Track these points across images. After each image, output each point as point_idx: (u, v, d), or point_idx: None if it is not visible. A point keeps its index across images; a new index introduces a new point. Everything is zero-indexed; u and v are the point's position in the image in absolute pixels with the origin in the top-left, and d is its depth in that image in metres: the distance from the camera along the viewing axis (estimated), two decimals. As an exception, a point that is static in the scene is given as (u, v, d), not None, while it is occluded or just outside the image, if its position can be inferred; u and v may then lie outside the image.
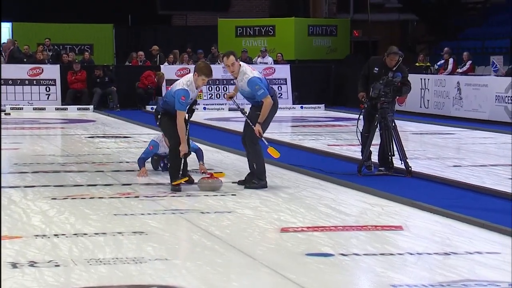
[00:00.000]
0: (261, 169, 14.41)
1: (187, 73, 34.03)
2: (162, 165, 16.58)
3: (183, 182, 14.94)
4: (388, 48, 15.96)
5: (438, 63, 32.75)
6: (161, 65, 36.07)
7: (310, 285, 8.56)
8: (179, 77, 34.72)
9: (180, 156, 14.19)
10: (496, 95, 28.01)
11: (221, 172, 15.29)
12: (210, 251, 10.27)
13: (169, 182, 14.87)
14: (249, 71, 14.10)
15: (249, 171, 14.91)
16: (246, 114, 14.89)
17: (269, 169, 16.40)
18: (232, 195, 14.11)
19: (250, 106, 14.99)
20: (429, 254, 9.94)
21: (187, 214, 12.47)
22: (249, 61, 36.58)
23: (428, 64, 34.02)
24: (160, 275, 8.92)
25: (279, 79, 34.54)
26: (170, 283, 8.61)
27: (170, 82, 34.29)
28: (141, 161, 16.54)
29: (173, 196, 14.07)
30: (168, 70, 35.19)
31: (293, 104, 33.81)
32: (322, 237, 10.87)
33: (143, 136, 24.64)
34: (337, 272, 9.30)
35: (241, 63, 14.41)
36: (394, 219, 12.14)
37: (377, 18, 41.15)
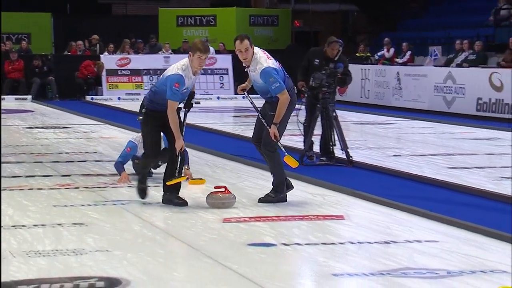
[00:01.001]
0: (280, 180, 11.99)
1: (128, 63, 34.99)
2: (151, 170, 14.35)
3: (181, 181, 13.08)
4: (327, 39, 16.04)
5: (378, 53, 32.97)
6: (100, 55, 35.84)
7: (252, 275, 8.59)
8: (120, 66, 35.02)
9: (149, 165, 12.94)
10: (435, 85, 28.17)
11: (201, 179, 13.81)
12: (152, 242, 10.27)
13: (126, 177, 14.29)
14: (264, 60, 11.73)
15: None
16: (260, 112, 12.46)
17: (210, 159, 16.50)
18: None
19: (264, 102, 12.59)
20: (370, 243, 10.05)
21: (128, 205, 12.45)
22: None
23: (369, 54, 34.20)
24: (101, 266, 8.87)
25: (221, 69, 34.58)
26: (111, 274, 8.54)
27: (110, 72, 34.29)
28: (119, 166, 14.58)
29: (114, 187, 14.02)
30: (108, 59, 35.04)
31: (235, 94, 33.76)
32: (264, 227, 10.91)
33: (83, 126, 24.53)
34: (279, 261, 9.35)
35: (255, 49, 12.11)
36: (335, 208, 12.21)
37: (318, 8, 41.26)
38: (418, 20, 37.42)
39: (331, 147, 16.19)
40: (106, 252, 9.63)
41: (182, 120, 11.94)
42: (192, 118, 24.42)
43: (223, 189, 10.80)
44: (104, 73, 34.20)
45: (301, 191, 13.00)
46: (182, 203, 11.97)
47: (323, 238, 10.45)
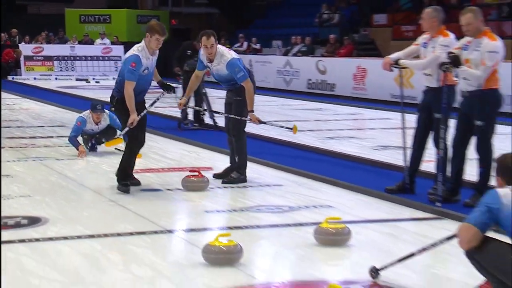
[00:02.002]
0: (243, 162, 10.53)
1: (41, 51, 34.57)
2: (90, 145, 13.17)
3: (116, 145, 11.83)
4: (197, 35, 16.01)
5: (235, 45, 33.02)
6: (19, 44, 35.06)
7: (145, 214, 8.56)
8: (35, 53, 34.42)
9: (135, 150, 9.94)
10: (277, 69, 28.26)
11: (118, 138, 11.66)
12: (65, 189, 10.15)
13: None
14: (227, 53, 10.23)
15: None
16: (222, 112, 10.94)
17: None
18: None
19: (226, 92, 10.89)
20: (233, 187, 10.14)
21: (45, 161, 12.21)
22: (91, 43, 36.28)
23: (228, 46, 34.39)
24: (25, 208, 8.79)
25: (115, 56, 34.15)
26: (33, 214, 8.49)
27: (27, 57, 33.69)
28: (74, 140, 12.83)
29: (33, 147, 13.76)
30: (25, 48, 34.38)
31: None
32: (153, 177, 10.86)
33: (7, 100, 23.75)
34: (165, 203, 9.40)
35: (218, 45, 10.44)
36: (206, 162, 12.18)
37: (189, 10, 41.22)
38: (265, 21, 37.53)
39: (202, 116, 16.24)
40: (28, 197, 9.51)
41: (154, 100, 10.26)
42: (95, 95, 24.22)
43: (197, 173, 9.78)
44: (22, 58, 33.47)
45: (180, 149, 12.99)
46: (126, 190, 9.62)
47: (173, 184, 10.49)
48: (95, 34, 36.97)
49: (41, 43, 35.15)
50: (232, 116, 10.35)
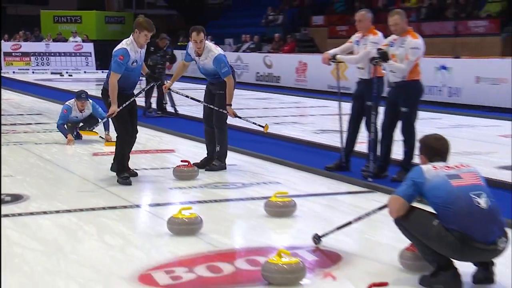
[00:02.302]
0: (224, 152, 9.87)
1: (19, 48, 34.17)
2: (75, 133, 12.59)
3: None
4: (159, 34, 15.93)
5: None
6: (-1, 41, 34.69)
7: (114, 190, 8.59)
8: (13, 50, 33.92)
9: (125, 144, 9.00)
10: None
11: (92, 131, 11.72)
12: (43, 170, 10.10)
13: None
14: (214, 48, 9.63)
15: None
16: (202, 101, 10.05)
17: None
18: (56, 132, 13.80)
19: (208, 83, 10.08)
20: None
21: (25, 145, 12.05)
22: (64, 40, 35.87)
23: (186, 43, 34.38)
24: (8, 187, 8.64)
25: (86, 52, 33.86)
26: (15, 192, 8.40)
27: (6, 54, 33.24)
28: (62, 128, 12.36)
29: (14, 133, 13.59)
30: (4, 45, 33.75)
31: (96, 69, 33.00)
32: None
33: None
34: (133, 181, 9.09)
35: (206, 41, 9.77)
36: (168, 145, 12.14)
37: (151, 12, 40.80)
38: (218, 21, 37.39)
39: (164, 105, 16.18)
40: (11, 177, 9.36)
41: (139, 91, 9.70)
42: (68, 86, 23.94)
43: (186, 163, 9.15)
44: (1, 54, 32.94)
45: (145, 134, 12.83)
46: (126, 182, 8.80)
47: (161, 164, 10.52)
48: (67, 33, 36.51)
49: (19, 41, 34.63)
50: (216, 108, 9.72)
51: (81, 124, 12.49)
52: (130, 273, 5.59)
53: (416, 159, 7.91)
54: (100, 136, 12.09)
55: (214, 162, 9.77)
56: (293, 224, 7.15)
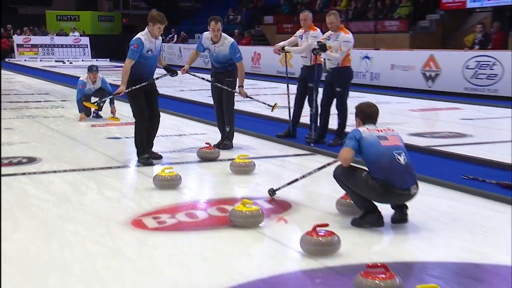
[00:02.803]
0: (233, 132, 8.93)
1: (29, 41, 33.63)
2: (94, 114, 11.79)
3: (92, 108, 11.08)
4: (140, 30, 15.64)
5: (168, 36, 32.37)
6: (13, 36, 33.92)
7: (110, 154, 8.51)
8: (24, 42, 33.37)
9: (142, 128, 7.84)
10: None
11: (117, 118, 11.21)
12: (52, 138, 10.00)
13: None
14: (228, 37, 8.67)
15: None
16: (216, 83, 8.86)
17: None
18: (61, 107, 13.62)
19: (214, 72, 8.92)
20: (167, 136, 10.00)
21: (36, 118, 11.96)
22: (66, 35, 35.26)
23: (164, 37, 34.21)
24: (24, 151, 8.60)
25: (83, 44, 33.42)
26: (30, 155, 8.31)
27: (19, 45, 32.70)
28: (80, 104, 11.46)
29: (27, 108, 13.41)
30: (17, 38, 33.38)
31: (91, 58, 32.50)
32: (114, 128, 10.69)
33: (6, 75, 23.10)
34: (125, 146, 9.17)
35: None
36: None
37: (135, 12, 40.39)
38: (189, 20, 36.96)
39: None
40: (26, 144, 9.32)
41: (158, 77, 8.31)
42: (69, 71, 23.53)
43: (208, 145, 8.18)
44: (15, 46, 32.42)
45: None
46: (147, 163, 7.83)
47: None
48: (68, 29, 36.01)
49: (29, 35, 34.05)
50: (228, 89, 8.70)
51: (92, 97, 11.49)
52: (124, 218, 5.59)
53: (348, 129, 8.02)
54: (96, 110, 11.57)
55: (225, 141, 8.83)
56: (252, 180, 7.17)
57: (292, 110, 9.67)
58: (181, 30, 33.33)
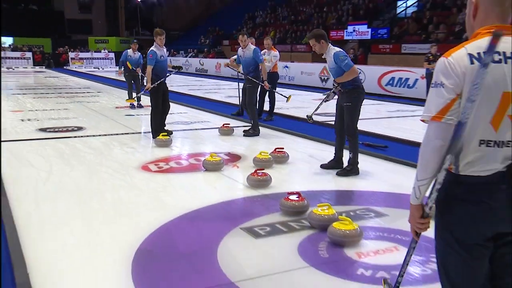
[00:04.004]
0: (257, 122, 7.31)
1: (78, 55, 31.91)
2: (137, 105, 10.32)
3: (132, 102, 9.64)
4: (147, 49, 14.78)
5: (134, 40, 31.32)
6: (69, 52, 32.11)
7: (128, 124, 8.10)
8: (75, 57, 31.31)
9: (157, 116, 6.91)
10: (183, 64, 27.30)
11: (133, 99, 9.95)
12: (92, 115, 9.38)
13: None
14: (252, 45, 7.33)
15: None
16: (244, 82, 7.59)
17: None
18: (97, 96, 12.96)
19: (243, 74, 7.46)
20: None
21: (82, 103, 11.22)
22: (100, 52, 33.60)
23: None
24: (75, 123, 8.04)
25: (110, 57, 31.67)
26: (78, 125, 7.79)
27: (72, 59, 31.02)
28: (120, 64, 10.31)
29: (76, 97, 12.73)
30: (71, 54, 31.48)
31: (115, 66, 31.07)
32: (130, 111, 10.23)
33: (64, 76, 21.98)
34: (137, 121, 8.71)
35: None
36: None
37: (142, 37, 38.78)
38: (176, 41, 35.75)
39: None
40: (76, 118, 8.80)
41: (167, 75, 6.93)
42: (102, 74, 22.48)
43: (228, 124, 7.37)
44: (69, 59, 30.93)
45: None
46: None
47: (141, 113, 9.85)
48: (101, 47, 34.30)
49: (78, 52, 32.47)
50: (253, 80, 7.23)
51: (132, 68, 9.95)
52: (137, 164, 5.39)
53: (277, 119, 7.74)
54: (132, 104, 10.33)
55: (250, 130, 7.28)
56: (217, 141, 6.93)
57: (241, 98, 9.38)
58: (171, 48, 32.29)
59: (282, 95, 8.80)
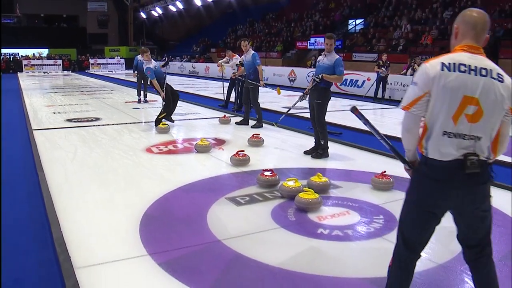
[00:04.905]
0: (260, 117, 6.59)
1: (96, 62, 30.49)
2: (144, 99, 9.70)
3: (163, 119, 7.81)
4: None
5: (163, 57, 30.36)
6: (89, 59, 30.69)
7: (135, 115, 7.86)
8: (94, 63, 29.90)
9: (167, 110, 6.64)
10: (178, 67, 26.59)
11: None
12: (108, 109, 9.02)
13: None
14: (251, 49, 6.74)
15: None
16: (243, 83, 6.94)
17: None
18: (111, 94, 12.47)
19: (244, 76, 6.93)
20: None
21: (99, 99, 10.83)
22: (113, 58, 32.38)
23: (160, 58, 31.99)
24: (93, 114, 7.73)
25: (121, 63, 30.69)
26: (96, 116, 7.48)
27: (92, 64, 29.69)
28: (134, 68, 9.75)
29: (94, 94, 12.29)
30: (91, 60, 30.13)
31: (125, 69, 30.24)
32: (141, 103, 9.94)
33: (85, 78, 21.14)
34: (142, 113, 8.45)
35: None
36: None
37: (147, 46, 37.55)
38: (173, 50, 34.80)
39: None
40: (94, 111, 8.47)
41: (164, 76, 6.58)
42: (115, 75, 21.73)
43: (225, 115, 7.12)
44: (90, 64, 29.71)
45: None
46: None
47: (146, 106, 9.52)
48: (114, 55, 33.17)
49: (96, 59, 31.32)
50: (252, 83, 6.56)
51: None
52: (142, 147, 5.26)
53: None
54: (144, 99, 9.62)
55: (256, 123, 6.60)
56: (204, 129, 6.73)
57: (225, 94, 9.24)
58: (169, 54, 31.57)
59: (273, 89, 7.50)
